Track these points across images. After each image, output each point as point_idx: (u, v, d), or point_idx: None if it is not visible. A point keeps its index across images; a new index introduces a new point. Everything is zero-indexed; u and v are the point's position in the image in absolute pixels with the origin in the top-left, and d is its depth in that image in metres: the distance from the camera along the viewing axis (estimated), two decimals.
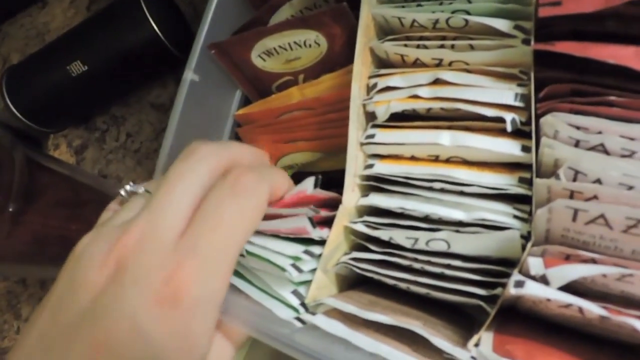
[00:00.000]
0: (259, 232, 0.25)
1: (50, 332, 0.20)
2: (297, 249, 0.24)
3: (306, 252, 0.24)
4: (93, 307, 0.19)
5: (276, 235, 0.25)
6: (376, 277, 0.26)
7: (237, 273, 0.27)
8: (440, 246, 0.24)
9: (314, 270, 0.25)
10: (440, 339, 0.22)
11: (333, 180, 0.27)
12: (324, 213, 0.25)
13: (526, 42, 0.24)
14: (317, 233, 0.24)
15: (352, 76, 0.27)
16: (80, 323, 0.19)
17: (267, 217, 0.24)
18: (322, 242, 0.25)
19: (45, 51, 0.48)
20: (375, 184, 0.26)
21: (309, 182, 0.26)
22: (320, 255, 0.25)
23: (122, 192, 0.24)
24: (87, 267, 0.20)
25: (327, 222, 0.26)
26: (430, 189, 0.25)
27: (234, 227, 0.20)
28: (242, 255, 0.25)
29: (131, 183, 0.25)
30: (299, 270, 0.23)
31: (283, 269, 0.23)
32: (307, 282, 0.25)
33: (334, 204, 0.27)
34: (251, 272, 0.26)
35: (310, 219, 0.23)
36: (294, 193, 0.25)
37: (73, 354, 0.19)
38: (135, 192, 0.24)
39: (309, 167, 0.35)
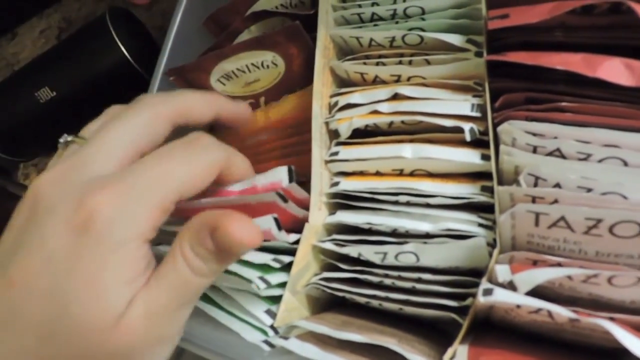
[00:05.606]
0: None
1: None
2: (265, 257, 0.23)
3: (275, 259, 0.23)
4: (13, 243, 0.19)
5: None
6: (348, 296, 0.25)
7: (204, 296, 0.26)
8: (410, 259, 0.23)
9: (283, 285, 0.24)
10: (416, 355, 0.21)
11: None
12: (292, 206, 0.23)
13: (479, 54, 0.24)
14: (282, 237, 0.23)
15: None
16: (2, 260, 0.19)
17: (235, 208, 0.23)
18: (292, 252, 0.25)
19: (13, 79, 0.47)
20: (342, 201, 0.26)
21: (282, 172, 0.23)
22: (289, 265, 0.24)
23: (61, 140, 0.22)
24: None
25: (296, 230, 0.25)
26: (396, 202, 0.25)
27: (174, 170, 0.19)
28: None
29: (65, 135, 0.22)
30: (267, 283, 0.23)
31: (250, 281, 0.22)
32: (279, 301, 0.24)
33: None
34: (222, 293, 0.25)
35: (276, 220, 0.21)
36: (266, 183, 0.23)
37: None
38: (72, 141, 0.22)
39: None
